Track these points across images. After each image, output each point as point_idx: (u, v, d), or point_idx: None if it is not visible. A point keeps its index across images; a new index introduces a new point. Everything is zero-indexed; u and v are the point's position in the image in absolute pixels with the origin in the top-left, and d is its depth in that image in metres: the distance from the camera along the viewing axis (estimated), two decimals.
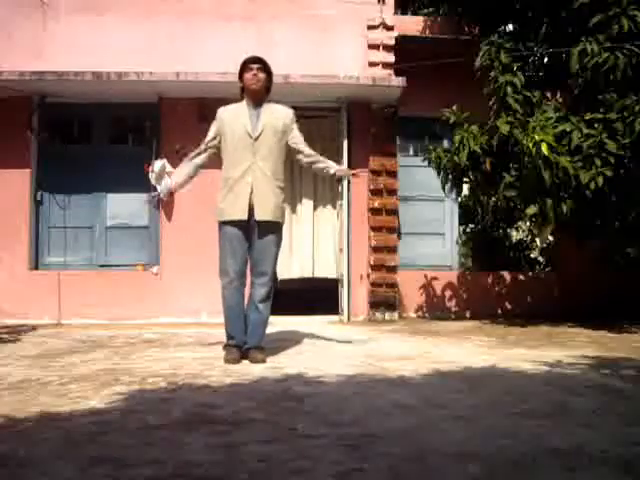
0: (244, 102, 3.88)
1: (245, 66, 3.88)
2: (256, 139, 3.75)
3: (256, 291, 3.83)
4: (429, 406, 2.60)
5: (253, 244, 3.80)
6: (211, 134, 3.95)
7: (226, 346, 3.82)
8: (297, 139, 3.92)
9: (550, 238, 7.55)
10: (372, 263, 6.70)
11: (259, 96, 3.85)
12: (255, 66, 3.84)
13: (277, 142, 3.80)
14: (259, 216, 3.73)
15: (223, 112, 3.91)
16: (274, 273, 3.92)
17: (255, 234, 3.78)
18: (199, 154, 3.96)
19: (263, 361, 3.65)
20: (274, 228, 3.81)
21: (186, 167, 4.01)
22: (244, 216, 3.72)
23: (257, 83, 3.82)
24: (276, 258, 3.90)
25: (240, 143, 3.76)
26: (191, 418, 2.41)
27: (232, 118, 3.83)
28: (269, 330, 4.03)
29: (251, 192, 3.72)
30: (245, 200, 3.71)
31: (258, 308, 3.81)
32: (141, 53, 6.35)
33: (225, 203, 3.79)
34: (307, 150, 3.96)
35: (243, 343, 3.78)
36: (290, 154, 3.96)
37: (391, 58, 6.69)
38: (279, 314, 6.07)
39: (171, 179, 4.15)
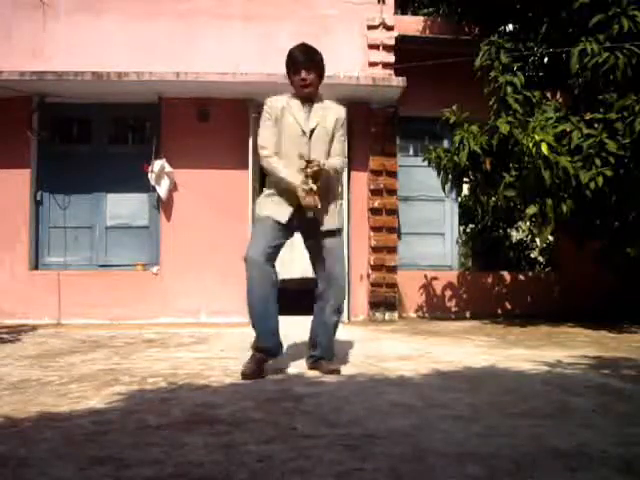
0: (294, 96, 3.47)
1: (293, 66, 3.41)
2: (310, 137, 3.37)
3: (323, 296, 3.46)
4: (429, 406, 2.60)
5: (317, 255, 3.49)
6: (268, 130, 3.42)
7: (253, 349, 3.36)
8: (336, 147, 3.46)
9: (550, 238, 7.55)
10: (372, 263, 6.70)
11: (311, 97, 3.44)
12: (305, 69, 3.37)
13: (329, 141, 3.42)
14: (322, 226, 3.40)
15: (274, 103, 3.44)
16: (344, 277, 3.59)
17: (318, 242, 3.46)
18: (276, 163, 3.38)
19: (337, 372, 3.35)
20: (333, 234, 3.46)
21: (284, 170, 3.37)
22: (284, 218, 3.34)
23: (309, 88, 3.39)
24: (343, 261, 3.59)
25: (293, 140, 3.36)
26: (191, 418, 2.41)
27: (284, 111, 3.39)
28: None
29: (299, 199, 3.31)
30: (291, 206, 3.34)
31: (325, 314, 3.46)
32: (141, 53, 6.35)
33: (272, 202, 3.39)
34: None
35: (276, 347, 3.39)
36: None
37: (391, 58, 6.69)
38: (279, 314, 6.07)
39: (295, 184, 3.30)
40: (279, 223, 3.35)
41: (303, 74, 3.37)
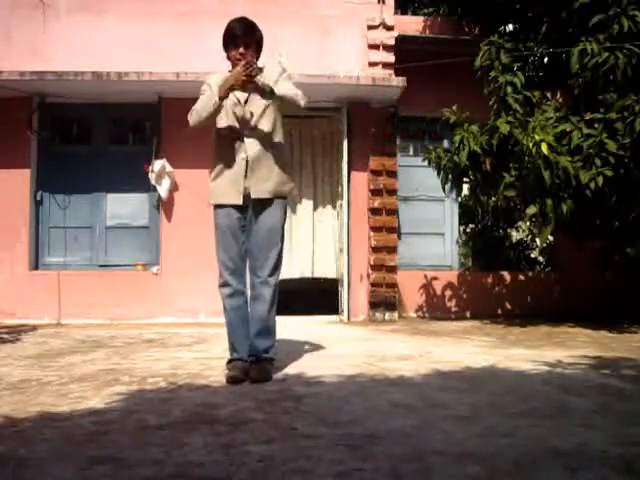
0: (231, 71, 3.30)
1: (232, 40, 3.24)
2: (245, 106, 3.22)
3: (255, 292, 3.27)
4: (429, 406, 2.60)
5: (250, 233, 3.26)
6: (207, 91, 3.27)
7: (229, 361, 3.24)
8: (278, 81, 3.21)
9: (550, 238, 7.55)
10: (372, 263, 6.70)
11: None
12: (243, 44, 3.20)
13: (270, 103, 3.23)
14: (256, 194, 3.21)
15: (211, 80, 3.31)
16: (278, 268, 3.31)
17: (252, 219, 3.25)
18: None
19: (263, 380, 3.10)
20: (274, 208, 3.25)
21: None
22: (239, 200, 3.21)
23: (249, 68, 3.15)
24: (279, 247, 3.28)
25: (230, 115, 3.22)
26: (191, 418, 2.41)
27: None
28: None
29: (246, 170, 3.21)
30: (239, 180, 3.21)
31: (256, 313, 3.25)
32: (141, 53, 6.35)
33: (217, 183, 3.31)
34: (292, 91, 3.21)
35: (248, 356, 3.22)
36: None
37: (391, 58, 6.69)
38: (279, 314, 6.08)
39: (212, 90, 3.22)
40: (235, 208, 3.23)
41: (241, 49, 3.21)
